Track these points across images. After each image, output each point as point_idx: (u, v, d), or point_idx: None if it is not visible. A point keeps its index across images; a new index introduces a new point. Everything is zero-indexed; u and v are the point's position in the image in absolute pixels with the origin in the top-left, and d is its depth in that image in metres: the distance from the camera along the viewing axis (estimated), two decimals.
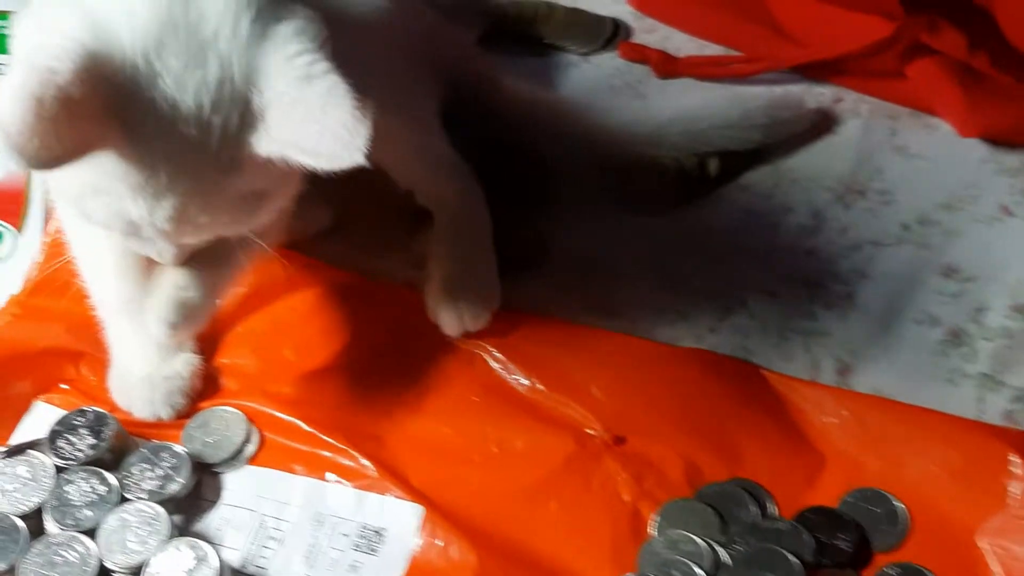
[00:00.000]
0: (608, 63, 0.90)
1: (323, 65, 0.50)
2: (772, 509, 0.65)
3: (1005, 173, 0.81)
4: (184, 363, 0.68)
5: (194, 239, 0.55)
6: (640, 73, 0.90)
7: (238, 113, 0.50)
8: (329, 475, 0.65)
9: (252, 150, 0.51)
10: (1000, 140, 0.82)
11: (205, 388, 0.69)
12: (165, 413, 0.67)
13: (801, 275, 0.77)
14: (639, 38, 0.92)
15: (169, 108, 0.49)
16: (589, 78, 0.90)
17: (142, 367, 0.67)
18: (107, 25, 0.49)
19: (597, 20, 0.92)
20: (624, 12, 0.93)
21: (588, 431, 0.67)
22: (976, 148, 0.83)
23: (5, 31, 0.84)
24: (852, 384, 0.71)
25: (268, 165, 0.51)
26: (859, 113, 0.86)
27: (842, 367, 0.71)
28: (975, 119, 0.82)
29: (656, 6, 0.92)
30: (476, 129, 0.82)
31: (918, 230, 0.79)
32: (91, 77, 0.47)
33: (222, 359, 0.71)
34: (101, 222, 0.53)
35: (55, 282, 0.70)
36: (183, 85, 0.49)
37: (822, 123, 0.85)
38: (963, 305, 0.74)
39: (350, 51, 0.64)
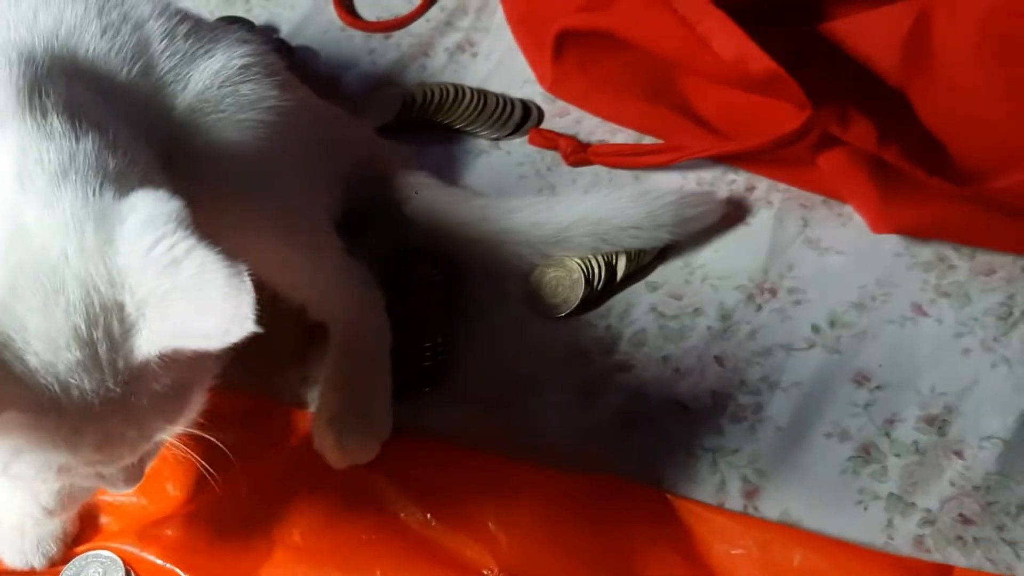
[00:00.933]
0: (518, 149, 0.88)
1: (184, 244, 0.47)
2: None
3: (919, 267, 0.79)
4: None
5: (135, 453, 0.51)
6: (550, 160, 0.87)
7: (116, 320, 0.47)
8: None
9: (144, 351, 0.47)
10: (913, 236, 0.81)
11: (83, 528, 0.66)
12: (37, 562, 0.64)
13: (710, 386, 0.74)
14: (550, 122, 0.89)
15: (46, 345, 0.46)
16: (497, 166, 0.87)
17: (13, 514, 0.63)
18: None
19: (507, 104, 0.89)
20: (536, 93, 0.91)
21: (485, 572, 0.64)
22: (889, 240, 0.81)
23: None
24: (760, 506, 0.69)
25: (171, 357, 0.48)
26: (771, 202, 0.84)
27: (750, 488, 0.69)
28: (887, 214, 0.80)
29: (568, 90, 0.89)
30: (378, 228, 0.80)
31: (829, 333, 0.77)
32: None
33: (102, 495, 0.67)
34: (34, 479, 0.49)
35: None
36: (51, 315, 0.46)
37: (733, 214, 0.83)
38: (874, 416, 0.72)
39: (233, 181, 0.62)
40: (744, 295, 0.79)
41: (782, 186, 0.85)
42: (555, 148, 0.87)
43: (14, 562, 0.64)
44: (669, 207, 0.79)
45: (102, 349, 0.46)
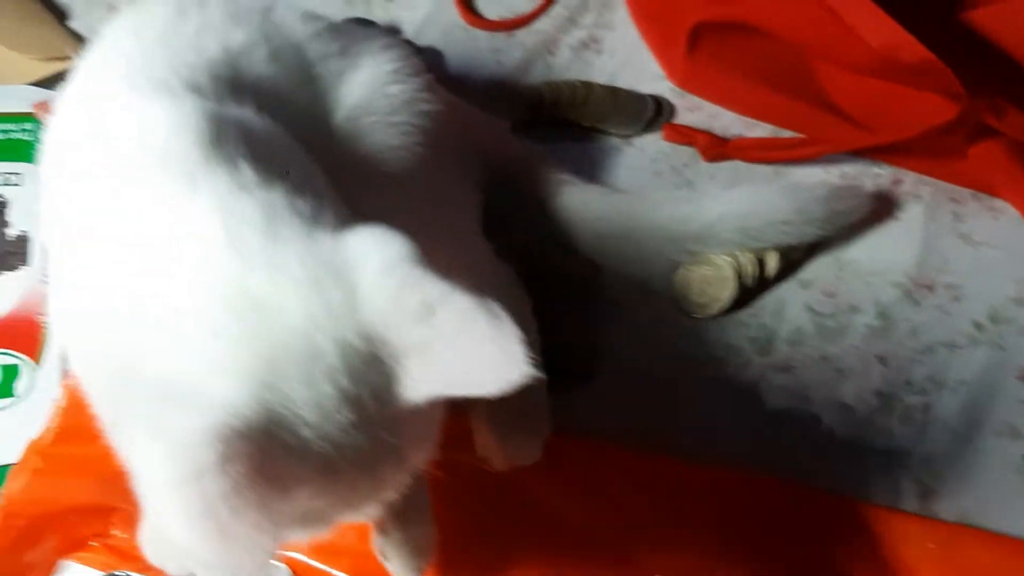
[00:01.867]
0: (652, 146, 0.85)
1: (435, 289, 0.44)
2: None
3: None
4: None
5: (399, 491, 0.49)
6: (686, 156, 0.85)
7: (378, 374, 0.45)
8: None
9: (410, 400, 0.45)
10: None
11: None
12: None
13: (874, 386, 0.72)
14: (682, 117, 0.87)
15: (316, 414, 0.43)
16: (632, 163, 0.85)
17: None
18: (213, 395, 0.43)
19: (637, 100, 0.87)
20: (665, 89, 0.89)
21: None
22: None
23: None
24: (936, 509, 0.67)
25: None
26: (920, 196, 0.81)
27: (924, 490, 0.67)
28: None
29: (700, 84, 0.87)
30: (518, 226, 0.78)
31: (991, 329, 0.74)
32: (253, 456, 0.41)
33: None
34: (302, 537, 0.48)
35: (81, 428, 0.65)
36: (315, 383, 0.43)
37: (882, 209, 0.81)
38: None
39: (395, 190, 0.60)
40: (901, 292, 0.76)
41: (930, 180, 0.82)
42: (692, 144, 0.84)
43: (178, 572, 0.61)
44: (820, 201, 0.77)
45: (370, 405, 0.44)
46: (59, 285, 0.54)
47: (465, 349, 0.44)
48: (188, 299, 0.45)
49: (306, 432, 0.43)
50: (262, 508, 0.41)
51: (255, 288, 0.44)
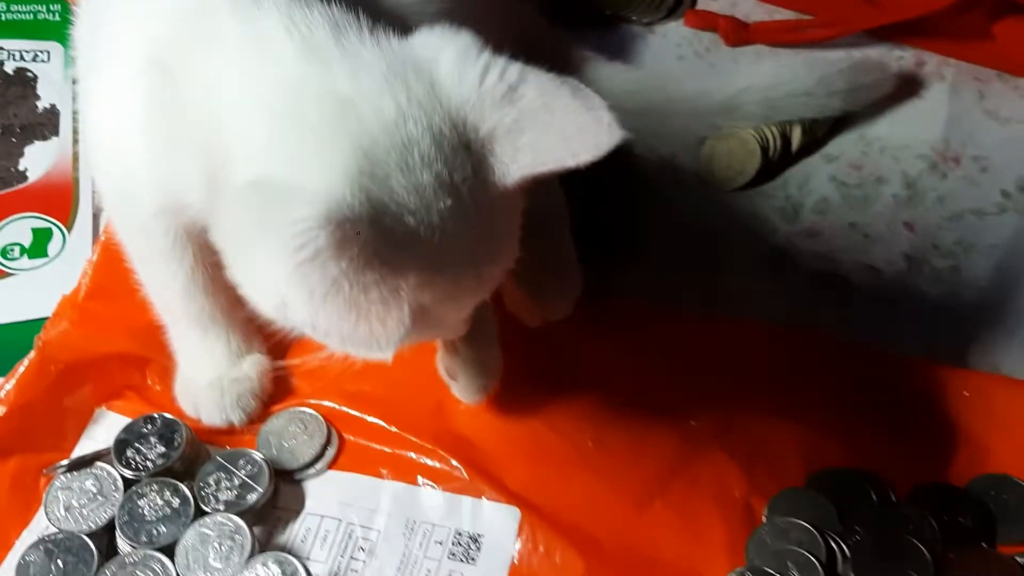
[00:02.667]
0: (674, 32, 0.85)
1: (513, 70, 0.46)
2: (892, 497, 0.60)
3: None
4: (252, 365, 0.64)
5: (488, 293, 0.51)
6: (708, 42, 0.85)
7: (470, 159, 0.46)
8: (418, 478, 0.61)
9: (505, 182, 0.46)
10: None
11: (277, 391, 0.64)
12: (236, 417, 0.63)
13: (902, 250, 0.72)
14: (704, 4, 0.87)
15: (417, 201, 0.44)
16: (654, 49, 0.85)
17: (209, 371, 0.63)
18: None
19: None
20: None
21: (692, 423, 0.63)
22: None
23: None
24: (970, 362, 0.66)
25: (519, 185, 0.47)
26: (944, 77, 0.81)
27: (956, 345, 0.67)
28: None
29: None
30: None
31: (1020, 197, 0.74)
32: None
33: (292, 359, 0.66)
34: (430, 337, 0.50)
35: (113, 285, 0.66)
36: (413, 172, 0.44)
37: (905, 88, 0.81)
38: None
39: None
40: (927, 164, 0.76)
41: (953, 61, 0.82)
42: (714, 29, 0.85)
43: (212, 419, 0.63)
44: (843, 73, 0.76)
45: (465, 190, 0.45)
46: (121, 116, 0.54)
47: (554, 122, 0.45)
48: (277, 104, 0.46)
49: (409, 219, 0.44)
50: (383, 284, 0.42)
51: (342, 87, 0.45)
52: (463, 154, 0.45)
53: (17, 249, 0.71)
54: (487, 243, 0.47)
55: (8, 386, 0.62)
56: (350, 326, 0.42)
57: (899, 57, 0.83)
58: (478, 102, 0.46)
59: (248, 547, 0.56)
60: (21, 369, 0.63)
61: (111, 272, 0.66)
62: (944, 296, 0.70)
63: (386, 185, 0.44)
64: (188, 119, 0.49)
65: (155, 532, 0.57)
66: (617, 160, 0.74)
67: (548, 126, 0.45)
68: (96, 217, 0.73)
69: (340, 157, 0.44)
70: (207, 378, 0.63)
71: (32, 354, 0.63)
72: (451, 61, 0.46)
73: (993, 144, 0.77)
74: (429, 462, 0.61)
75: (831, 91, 0.77)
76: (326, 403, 0.64)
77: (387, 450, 0.62)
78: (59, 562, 0.56)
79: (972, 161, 0.77)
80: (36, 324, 0.65)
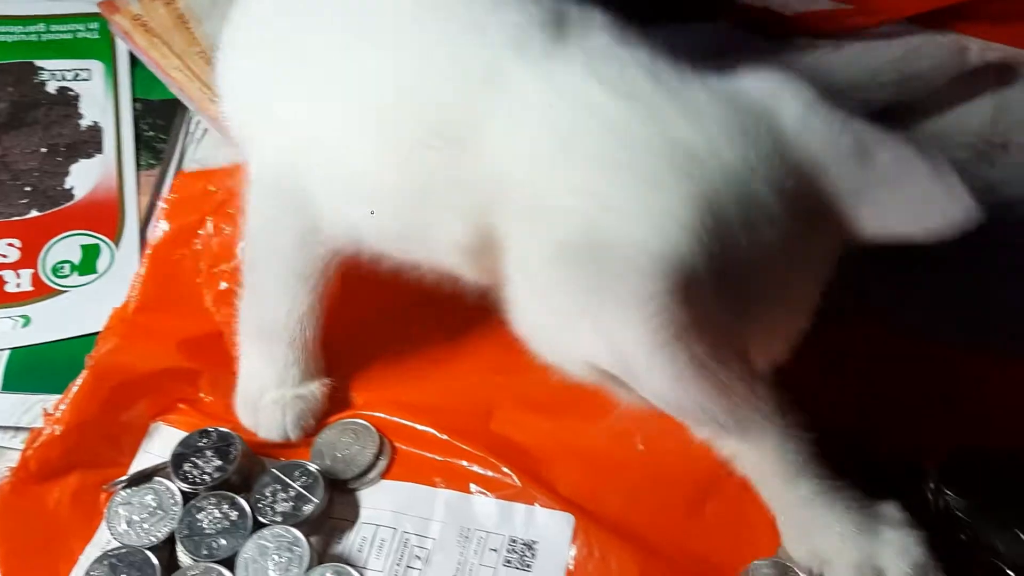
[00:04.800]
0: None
1: (868, 133, 0.45)
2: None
3: None
4: (317, 387, 0.64)
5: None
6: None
7: (808, 217, 0.44)
8: (471, 486, 0.61)
9: (839, 244, 0.46)
10: None
11: (329, 402, 0.65)
12: (294, 435, 0.63)
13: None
14: None
15: (761, 255, 0.43)
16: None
17: (275, 389, 0.63)
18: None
19: None
20: None
21: None
22: None
23: None
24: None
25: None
26: (988, 62, 0.80)
27: (1009, 336, 0.66)
28: None
29: None
30: None
31: None
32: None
33: (344, 371, 0.66)
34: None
35: (162, 298, 0.67)
36: (755, 226, 0.43)
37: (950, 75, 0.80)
38: None
39: None
40: (973, 152, 0.75)
41: (997, 46, 0.81)
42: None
43: (271, 435, 0.63)
44: (892, 63, 0.76)
45: (803, 249, 0.44)
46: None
47: (907, 191, 0.44)
48: (601, 153, 0.44)
49: (753, 281, 0.43)
50: (740, 358, 0.41)
51: (680, 134, 0.43)
52: (805, 212, 0.44)
53: (67, 267, 0.72)
54: (809, 298, 0.46)
55: (63, 405, 0.63)
56: (716, 404, 0.40)
57: (941, 44, 0.82)
58: (829, 161, 0.44)
59: (307, 558, 0.57)
60: (75, 388, 0.63)
61: (159, 285, 0.68)
62: (997, 284, 0.69)
63: (732, 244, 0.42)
64: (464, 178, 0.48)
65: (215, 545, 0.58)
66: None
67: (901, 195, 0.44)
68: (143, 231, 0.74)
69: (684, 211, 0.41)
70: (271, 395, 0.63)
71: (85, 372, 0.64)
72: (799, 115, 0.45)
73: None
74: (481, 470, 0.61)
75: (881, 83, 0.76)
76: (378, 414, 0.64)
77: (439, 459, 0.62)
78: None
79: (1021, 148, 0.75)
80: (88, 340, 0.67)
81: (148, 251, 0.70)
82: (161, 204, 0.73)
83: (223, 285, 0.68)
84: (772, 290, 0.43)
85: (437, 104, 0.48)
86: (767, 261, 0.43)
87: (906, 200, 0.44)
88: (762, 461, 0.57)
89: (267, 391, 0.63)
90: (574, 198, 0.43)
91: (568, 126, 0.45)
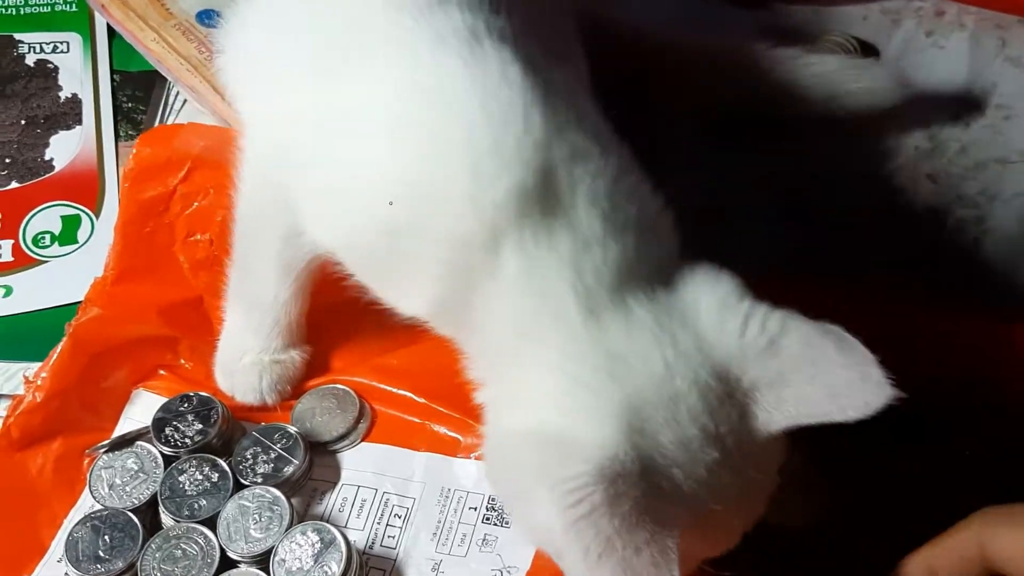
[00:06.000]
0: None
1: (774, 320, 0.46)
2: None
3: None
4: (299, 352, 0.64)
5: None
6: None
7: (734, 410, 0.46)
8: (449, 447, 0.62)
9: (766, 432, 0.46)
10: None
11: (310, 368, 0.65)
12: (271, 399, 0.64)
13: (924, 202, 0.72)
14: None
15: (684, 455, 0.44)
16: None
17: (254, 352, 0.63)
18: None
19: None
20: None
21: None
22: None
23: None
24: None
25: None
26: (964, 25, 0.81)
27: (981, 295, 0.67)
28: None
29: None
30: None
31: None
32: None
33: (324, 337, 0.66)
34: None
35: (139, 267, 0.67)
36: (679, 425, 0.44)
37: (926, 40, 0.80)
38: None
39: None
40: (948, 115, 0.76)
41: (973, 9, 0.81)
42: None
43: (247, 398, 0.64)
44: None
45: (730, 441, 0.45)
46: None
47: (818, 375, 0.45)
48: (561, 361, 0.46)
49: (676, 473, 0.44)
50: (652, 544, 0.42)
51: (615, 347, 0.46)
52: (728, 404, 0.45)
53: (48, 237, 0.73)
54: (749, 492, 0.47)
55: (44, 373, 0.63)
56: None
57: (918, 8, 0.82)
58: (740, 354, 0.46)
59: (287, 517, 0.58)
60: (55, 355, 0.63)
61: (135, 255, 0.68)
62: (968, 246, 0.69)
63: (655, 440, 0.44)
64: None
65: (196, 506, 0.59)
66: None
67: (812, 379, 0.45)
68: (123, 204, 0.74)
69: (614, 414, 0.44)
70: (248, 360, 0.64)
71: (65, 340, 0.64)
72: (712, 311, 0.47)
73: (1016, 92, 0.77)
74: (460, 433, 0.62)
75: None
76: (358, 379, 0.65)
77: (419, 421, 0.63)
78: (106, 537, 0.58)
79: (995, 109, 0.76)
80: (70, 309, 0.67)
81: (117, 224, 0.70)
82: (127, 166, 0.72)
83: (200, 255, 0.68)
84: (698, 483, 0.44)
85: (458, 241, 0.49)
86: (691, 454, 0.44)
87: (819, 384, 0.45)
88: None
89: (247, 355, 0.63)
90: (534, 391, 0.47)
91: (541, 327, 0.47)
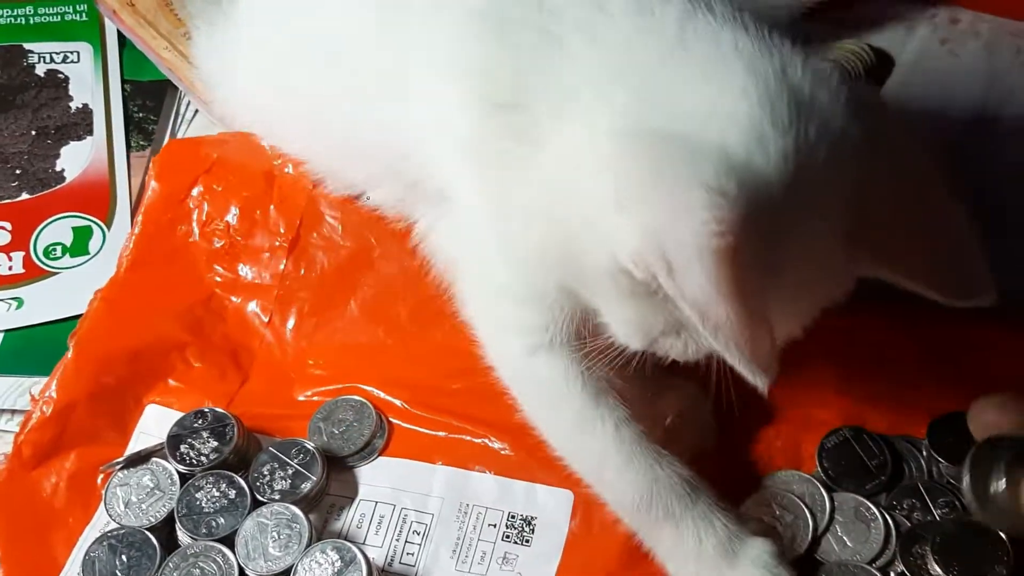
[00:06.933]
0: None
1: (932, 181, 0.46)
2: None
3: None
4: (762, 550, 0.55)
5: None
6: None
7: (847, 217, 0.44)
8: (469, 463, 0.61)
9: (861, 261, 0.45)
10: None
11: (325, 376, 0.65)
12: None
13: None
14: None
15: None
16: None
17: None
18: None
19: None
20: None
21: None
22: None
23: None
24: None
25: None
26: (979, 33, 0.80)
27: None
28: None
29: None
30: None
31: None
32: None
33: (340, 349, 0.66)
34: (678, 354, 0.48)
35: (155, 257, 0.67)
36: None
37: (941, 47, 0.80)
38: None
39: None
40: (965, 126, 0.75)
41: (988, 17, 0.81)
42: None
43: None
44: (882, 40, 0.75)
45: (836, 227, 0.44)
46: None
47: (938, 249, 0.45)
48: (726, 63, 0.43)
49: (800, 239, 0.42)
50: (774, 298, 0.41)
51: (801, 85, 0.44)
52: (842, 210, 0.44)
53: (59, 248, 0.72)
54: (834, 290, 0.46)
55: (52, 387, 0.62)
56: (736, 331, 0.40)
57: (932, 15, 0.82)
58: (877, 182, 0.44)
59: (306, 535, 0.57)
60: (60, 370, 0.63)
61: (152, 243, 0.68)
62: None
63: (801, 195, 0.42)
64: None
65: (214, 524, 0.58)
66: None
67: (926, 249, 0.45)
68: (134, 213, 0.74)
69: (775, 144, 0.41)
70: None
71: (69, 352, 0.64)
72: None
73: None
74: (480, 447, 0.61)
75: None
76: (376, 391, 0.64)
77: (437, 435, 0.62)
78: (123, 557, 0.57)
79: (1012, 119, 0.76)
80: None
81: (141, 212, 0.70)
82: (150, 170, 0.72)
83: (217, 243, 0.69)
84: (810, 262, 0.43)
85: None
86: (819, 227, 0.43)
87: (930, 255, 0.45)
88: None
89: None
90: (642, 93, 0.44)
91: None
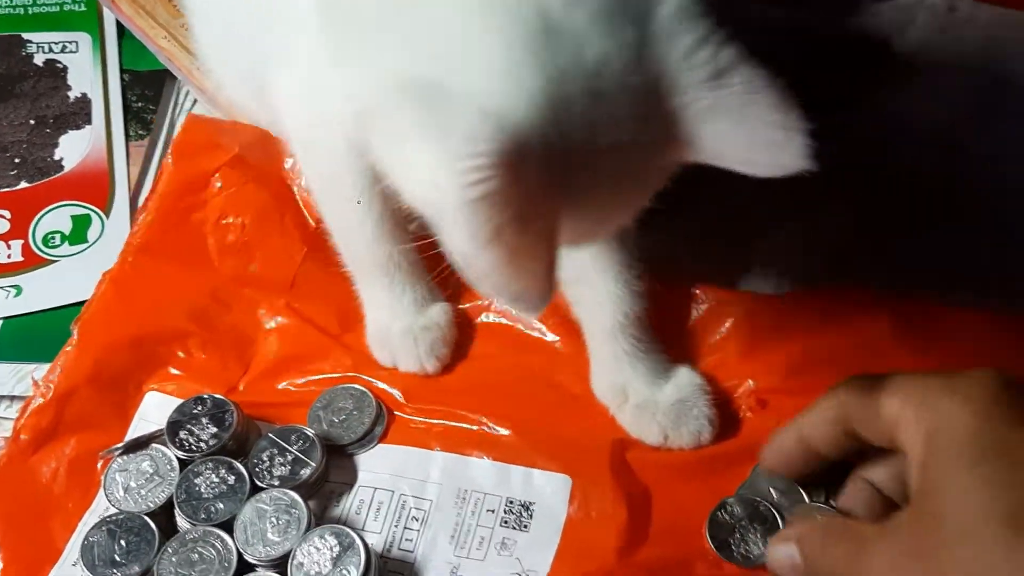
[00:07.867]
0: None
1: (726, 54, 0.43)
2: None
3: None
4: (439, 312, 0.64)
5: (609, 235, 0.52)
6: None
7: (651, 126, 0.43)
8: (467, 449, 0.61)
9: (676, 158, 0.45)
10: None
11: (326, 364, 0.65)
12: (431, 366, 0.63)
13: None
14: None
15: (592, 147, 0.42)
16: None
17: (399, 320, 0.63)
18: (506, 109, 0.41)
19: None
20: None
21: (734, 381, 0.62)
22: None
23: None
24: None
25: None
26: (977, 22, 0.80)
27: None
28: None
29: None
30: None
31: None
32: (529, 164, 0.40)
33: (342, 337, 0.66)
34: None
35: (148, 264, 0.67)
36: (595, 120, 0.42)
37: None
38: None
39: None
40: (965, 115, 0.75)
41: (985, 6, 0.81)
42: None
43: (409, 366, 0.63)
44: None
45: (637, 154, 0.43)
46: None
47: (746, 125, 0.43)
48: (483, 13, 0.42)
49: (571, 158, 0.42)
50: (542, 239, 0.41)
51: (554, 12, 0.42)
52: (649, 118, 0.43)
53: (58, 237, 0.72)
54: (632, 204, 0.46)
55: (55, 372, 0.63)
56: (503, 279, 0.40)
57: (931, 5, 0.82)
58: (681, 73, 0.43)
59: (304, 520, 0.57)
60: (63, 355, 0.63)
61: (165, 228, 0.68)
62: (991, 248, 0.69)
63: (566, 124, 0.41)
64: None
65: (213, 509, 0.58)
66: None
67: (739, 127, 0.43)
68: (133, 201, 0.74)
69: (535, 83, 0.41)
70: (399, 327, 0.63)
71: (72, 339, 0.64)
72: (670, 16, 0.43)
73: None
74: (478, 434, 0.61)
75: None
76: (375, 381, 0.64)
77: (436, 422, 0.62)
78: (122, 542, 0.57)
79: (1011, 107, 0.76)
80: (80, 309, 0.66)
81: (156, 193, 0.70)
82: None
83: (230, 237, 0.69)
84: (596, 184, 0.43)
85: None
86: (593, 156, 0.42)
87: (744, 134, 0.43)
88: (596, 310, 0.61)
89: (393, 323, 0.63)
90: (434, 46, 0.43)
91: None
